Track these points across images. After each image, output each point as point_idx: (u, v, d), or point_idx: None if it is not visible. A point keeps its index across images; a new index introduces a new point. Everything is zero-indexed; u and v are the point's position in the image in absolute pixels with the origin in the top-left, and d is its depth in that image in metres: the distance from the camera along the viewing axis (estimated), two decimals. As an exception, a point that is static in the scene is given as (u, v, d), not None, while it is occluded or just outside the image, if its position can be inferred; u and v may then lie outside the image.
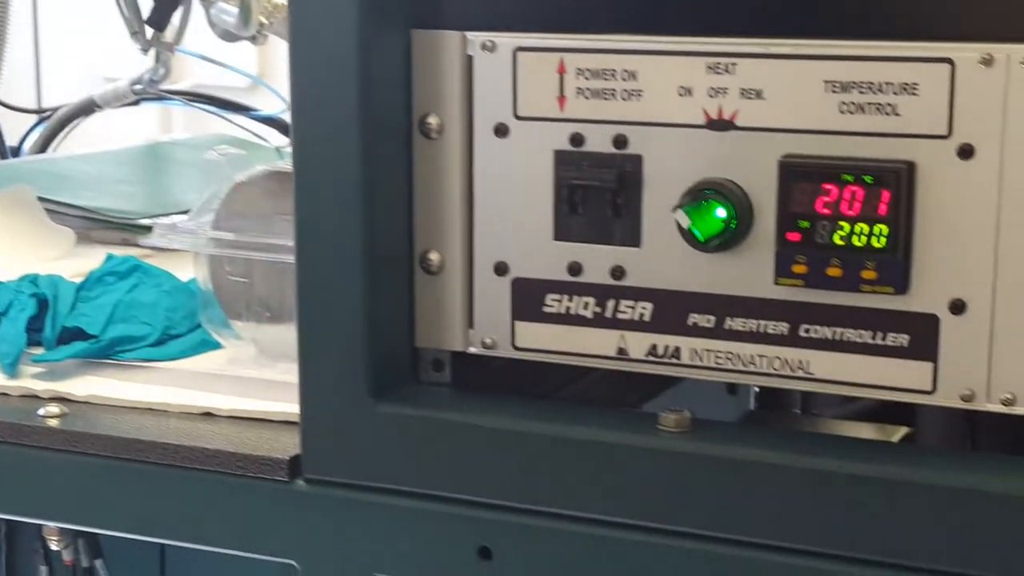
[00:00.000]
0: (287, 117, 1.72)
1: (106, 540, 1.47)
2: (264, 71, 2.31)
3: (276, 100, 1.76)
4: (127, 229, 1.32)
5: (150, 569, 1.55)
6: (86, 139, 1.80)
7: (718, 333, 0.78)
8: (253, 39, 1.64)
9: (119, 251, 1.14)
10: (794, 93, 0.74)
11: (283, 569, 0.86)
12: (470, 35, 0.80)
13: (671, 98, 0.76)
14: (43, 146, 1.76)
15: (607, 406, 0.85)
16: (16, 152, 1.76)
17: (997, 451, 0.77)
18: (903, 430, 0.96)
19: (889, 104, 0.72)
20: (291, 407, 0.88)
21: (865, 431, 0.99)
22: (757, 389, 1.28)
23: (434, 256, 0.83)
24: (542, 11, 0.79)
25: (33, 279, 1.03)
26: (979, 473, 0.72)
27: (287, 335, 0.94)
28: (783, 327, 0.76)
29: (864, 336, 0.75)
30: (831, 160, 0.73)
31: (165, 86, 1.70)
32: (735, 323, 0.77)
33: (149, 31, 1.58)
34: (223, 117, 1.70)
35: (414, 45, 0.81)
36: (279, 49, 1.85)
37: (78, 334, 1.00)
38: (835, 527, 0.73)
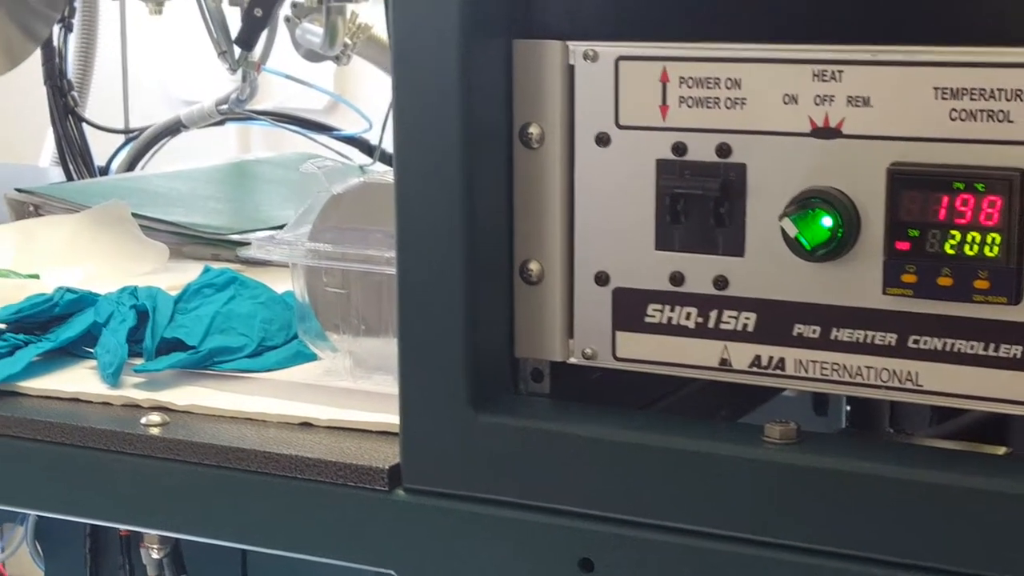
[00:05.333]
0: (369, 136, 1.75)
1: (189, 554, 1.48)
2: (341, 91, 2.33)
3: (352, 121, 1.78)
4: (217, 244, 1.34)
5: (233, 585, 1.56)
6: (168, 158, 1.83)
7: (824, 344, 0.77)
8: (337, 59, 1.66)
9: (212, 265, 1.15)
10: (903, 100, 0.73)
11: (381, 579, 0.86)
12: (572, 44, 0.80)
13: (776, 106, 0.76)
14: (131, 165, 1.79)
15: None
16: (104, 171, 1.78)
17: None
18: (1001, 449, 0.94)
19: (1001, 111, 0.71)
20: (389, 418, 0.88)
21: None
22: (848, 408, 1.27)
23: (534, 266, 0.83)
24: (644, 20, 0.79)
25: (132, 291, 1.04)
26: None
27: (383, 347, 0.95)
28: (891, 338, 0.75)
29: (976, 347, 0.74)
30: (941, 168, 0.72)
31: (250, 106, 1.72)
32: (841, 334, 0.77)
33: (237, 51, 1.60)
34: (308, 136, 1.71)
35: (515, 55, 0.81)
36: (356, 70, 1.88)
37: (177, 345, 1.00)
38: (946, 541, 0.72)
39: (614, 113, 0.79)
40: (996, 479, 0.72)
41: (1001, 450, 0.94)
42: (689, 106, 0.78)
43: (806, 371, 0.78)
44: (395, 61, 0.81)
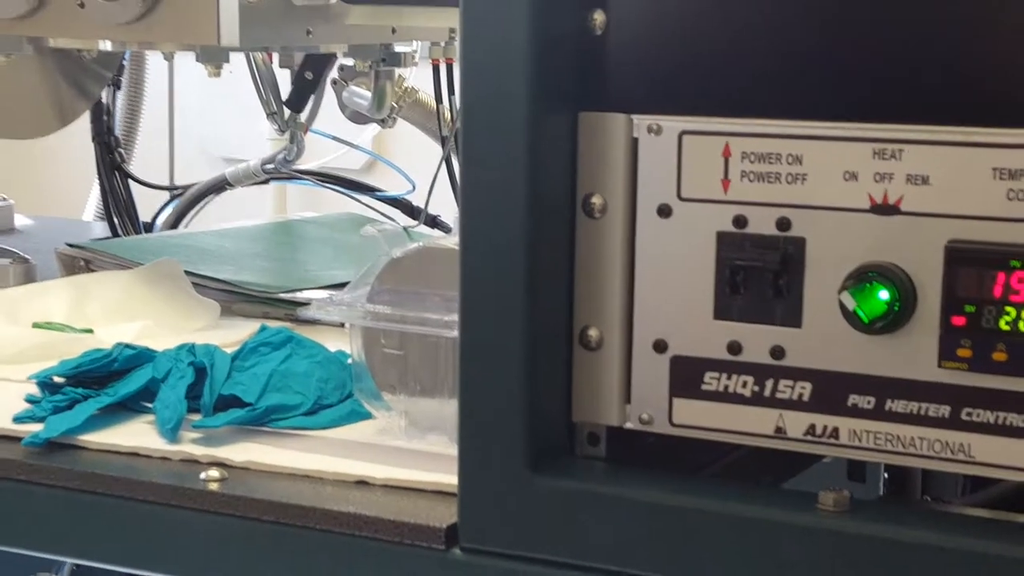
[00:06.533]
0: (412, 198, 1.78)
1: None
2: (380, 152, 2.36)
3: (391, 182, 1.81)
4: (268, 303, 1.36)
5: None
6: (209, 216, 1.85)
7: (878, 414, 0.79)
8: (383, 122, 1.69)
9: (266, 324, 1.17)
10: (961, 179, 0.75)
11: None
12: (636, 118, 0.82)
13: (836, 182, 0.78)
14: (176, 222, 1.81)
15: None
16: (149, 227, 1.81)
17: None
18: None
19: (1057, 191, 0.73)
20: (445, 477, 0.90)
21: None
22: (887, 475, 1.28)
23: (593, 332, 0.85)
24: (708, 95, 0.82)
25: (191, 348, 1.06)
26: None
27: (439, 408, 0.97)
28: (945, 410, 0.77)
29: (1028, 421, 0.75)
30: (998, 246, 0.74)
31: (294, 166, 1.75)
32: (896, 405, 0.78)
33: (287, 112, 1.63)
34: (352, 197, 1.74)
35: (581, 126, 0.83)
36: (396, 132, 1.91)
37: (234, 402, 1.02)
38: (999, 611, 0.73)
39: (676, 185, 0.82)
40: (1045, 550, 0.73)
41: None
42: (751, 180, 0.80)
43: (860, 440, 0.80)
44: (463, 131, 0.83)
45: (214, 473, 0.94)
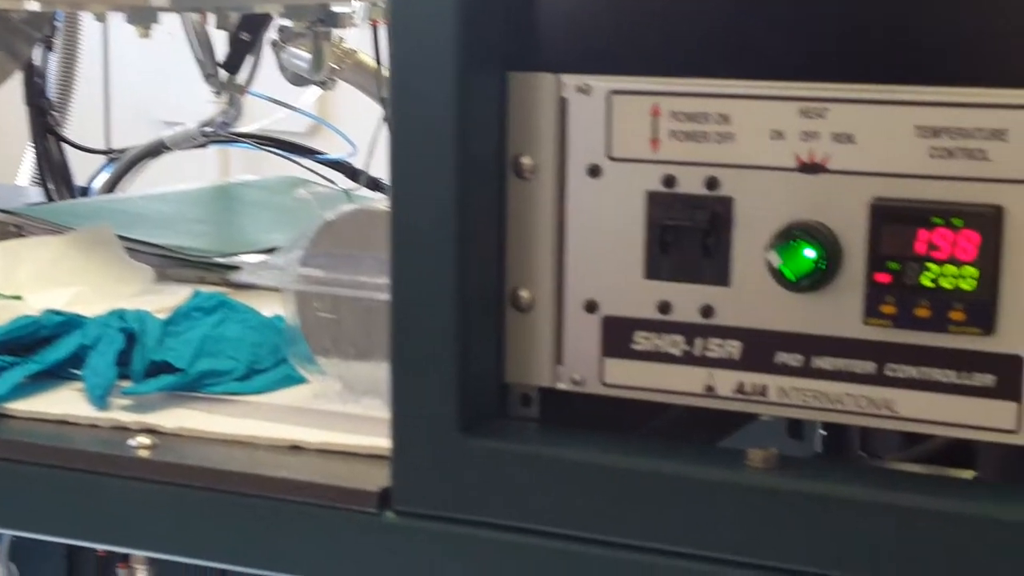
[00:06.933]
0: (355, 161, 1.76)
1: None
2: (323, 116, 2.35)
3: (334, 145, 1.79)
4: (203, 267, 1.35)
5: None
6: (148, 180, 1.84)
7: (806, 372, 0.79)
8: (323, 84, 1.68)
9: (200, 288, 1.16)
10: (885, 138, 0.76)
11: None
12: (565, 78, 0.82)
13: (763, 142, 0.78)
14: (111, 186, 1.79)
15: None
16: (85, 192, 1.79)
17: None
18: (969, 473, 0.97)
19: (979, 149, 0.74)
20: (379, 441, 0.90)
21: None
22: (824, 433, 1.30)
23: (525, 293, 0.84)
24: (637, 55, 0.81)
25: (120, 314, 1.05)
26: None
27: (373, 371, 0.97)
28: (870, 366, 0.78)
29: (950, 376, 0.76)
30: (921, 203, 0.75)
31: (234, 129, 1.74)
32: (823, 362, 0.79)
33: (223, 74, 1.62)
34: (292, 160, 1.73)
35: (510, 87, 0.83)
36: (337, 95, 1.89)
37: (165, 368, 1.02)
38: (922, 562, 0.74)
39: (606, 145, 0.82)
40: (967, 502, 0.74)
41: (969, 474, 0.96)
42: (679, 140, 0.80)
43: (788, 398, 0.80)
44: (392, 92, 0.82)
45: (144, 440, 0.93)
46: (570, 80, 0.82)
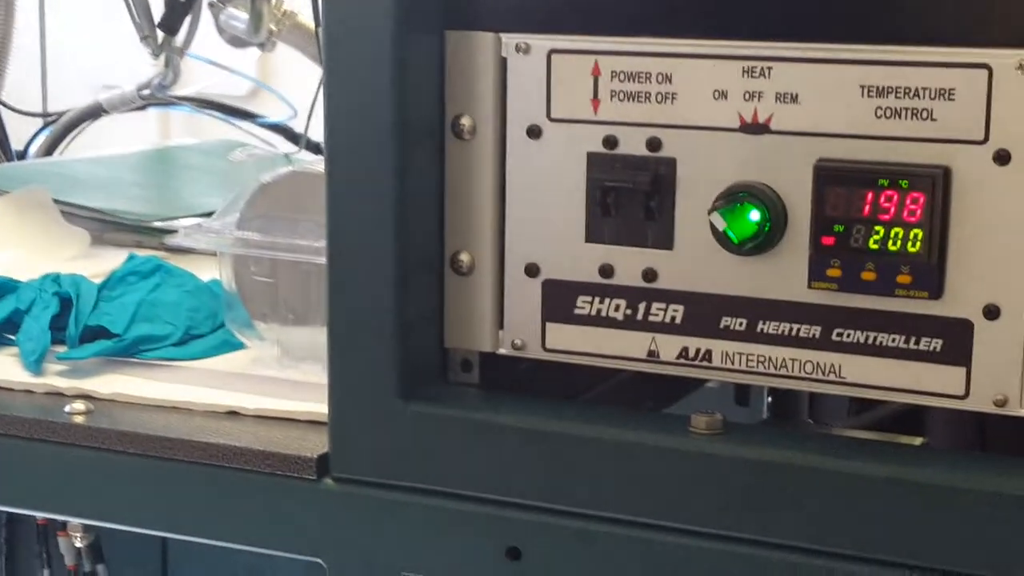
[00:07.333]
0: (293, 124, 1.74)
1: (107, 545, 1.47)
2: (264, 78, 2.32)
3: (275, 108, 1.77)
4: (140, 231, 1.33)
5: (152, 573, 1.55)
6: (88, 143, 1.80)
7: (750, 336, 0.78)
8: (262, 46, 1.65)
9: (137, 253, 1.14)
10: (830, 97, 0.74)
11: (310, 568, 0.86)
12: (504, 37, 0.80)
13: (706, 101, 0.77)
14: (49, 150, 1.76)
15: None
16: (22, 156, 1.76)
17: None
18: (917, 440, 0.96)
19: (926, 109, 0.73)
20: (317, 407, 0.88)
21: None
22: (770, 399, 1.29)
23: (465, 257, 0.83)
24: (576, 14, 0.80)
25: (55, 278, 1.03)
26: (1015, 478, 0.72)
27: (311, 336, 0.95)
28: (816, 331, 0.77)
29: (897, 340, 0.75)
30: (866, 164, 0.74)
31: (172, 92, 1.71)
32: (767, 326, 0.78)
33: (160, 35, 1.59)
34: (232, 123, 1.70)
35: (448, 46, 0.81)
36: (279, 57, 1.87)
37: (101, 333, 1.00)
38: (868, 530, 0.73)
39: (546, 106, 0.80)
40: (915, 468, 0.74)
41: (918, 441, 0.96)
42: (620, 100, 0.79)
43: (732, 363, 0.79)
44: (326, 51, 0.81)
45: (79, 406, 0.91)
46: (510, 39, 0.80)
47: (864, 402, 1.18)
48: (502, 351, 0.84)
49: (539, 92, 0.80)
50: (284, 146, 1.69)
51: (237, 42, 1.67)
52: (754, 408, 1.27)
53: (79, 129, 1.77)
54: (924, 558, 0.72)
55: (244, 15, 1.59)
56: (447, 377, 0.85)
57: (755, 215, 0.76)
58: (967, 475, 0.73)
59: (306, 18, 1.63)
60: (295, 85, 1.77)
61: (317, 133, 1.62)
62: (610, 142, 0.79)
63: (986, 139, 0.72)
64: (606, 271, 0.80)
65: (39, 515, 1.37)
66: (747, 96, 0.76)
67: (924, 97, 0.73)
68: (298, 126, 1.70)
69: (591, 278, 0.81)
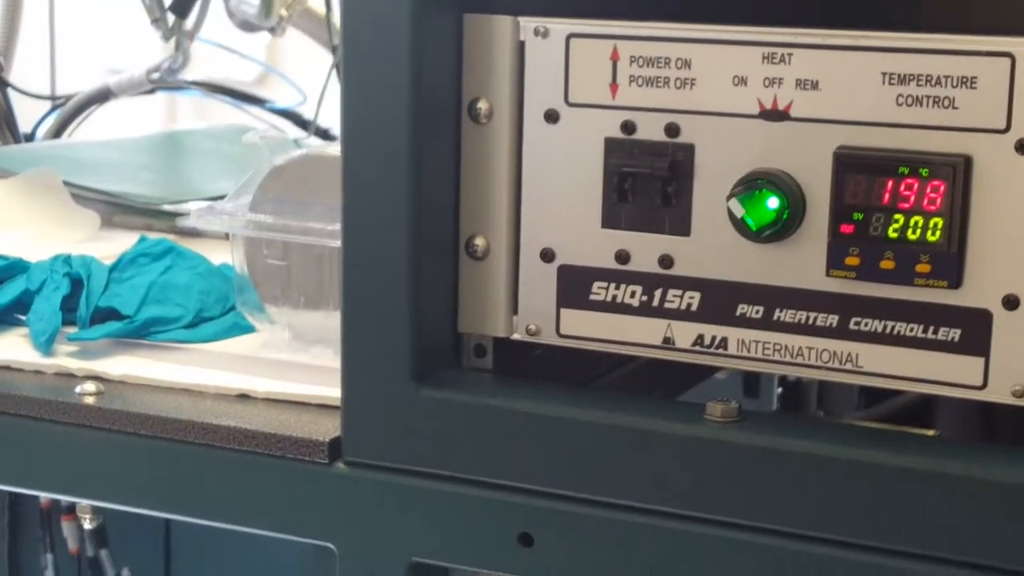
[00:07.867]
0: (303, 110, 1.73)
1: (110, 530, 1.47)
2: (273, 63, 2.31)
3: (282, 93, 1.76)
4: (150, 214, 1.32)
5: (155, 558, 1.55)
6: (95, 127, 1.80)
7: (767, 324, 0.78)
8: (272, 30, 1.65)
9: (147, 235, 1.13)
10: (851, 85, 0.74)
11: (318, 552, 0.86)
12: (523, 20, 0.80)
13: (725, 87, 0.77)
14: (57, 132, 1.76)
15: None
16: (30, 138, 1.76)
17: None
18: (930, 431, 0.96)
19: (947, 97, 0.72)
20: (328, 391, 0.88)
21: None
22: (780, 390, 1.29)
23: (480, 241, 0.83)
24: (596, -2, 0.79)
25: (66, 259, 1.02)
26: (1029, 468, 0.72)
27: (323, 320, 0.95)
28: (833, 319, 0.76)
29: (915, 330, 0.75)
30: (887, 152, 0.73)
31: (180, 76, 1.70)
32: (784, 314, 0.77)
33: (171, 19, 1.58)
34: (240, 108, 1.69)
35: (466, 29, 0.81)
36: (288, 42, 1.86)
37: (112, 314, 0.99)
38: (883, 519, 0.73)
39: (564, 90, 0.79)
40: (932, 459, 0.73)
41: (930, 432, 0.95)
42: (639, 85, 0.78)
43: (748, 351, 0.79)
44: (344, 34, 0.80)
45: (90, 387, 0.91)
46: (528, 23, 0.80)
47: (874, 395, 1.18)
48: (516, 336, 0.83)
49: (557, 76, 0.80)
50: (293, 132, 1.69)
51: (247, 27, 1.67)
52: (764, 399, 1.26)
53: (88, 112, 1.76)
54: (943, 549, 0.72)
55: (255, 0, 1.59)
56: (460, 362, 0.85)
57: (773, 202, 0.75)
58: (983, 466, 0.72)
59: (317, 3, 1.63)
60: (303, 70, 1.77)
61: (326, 119, 1.62)
62: (628, 127, 0.79)
63: (1008, 128, 0.71)
64: (622, 257, 0.80)
65: (49, 496, 1.37)
66: (767, 82, 0.76)
67: (945, 85, 0.72)
68: (307, 112, 1.69)
69: (607, 264, 0.80)
